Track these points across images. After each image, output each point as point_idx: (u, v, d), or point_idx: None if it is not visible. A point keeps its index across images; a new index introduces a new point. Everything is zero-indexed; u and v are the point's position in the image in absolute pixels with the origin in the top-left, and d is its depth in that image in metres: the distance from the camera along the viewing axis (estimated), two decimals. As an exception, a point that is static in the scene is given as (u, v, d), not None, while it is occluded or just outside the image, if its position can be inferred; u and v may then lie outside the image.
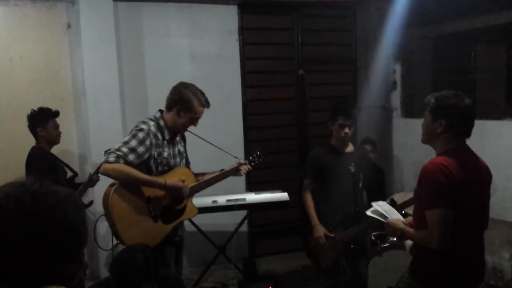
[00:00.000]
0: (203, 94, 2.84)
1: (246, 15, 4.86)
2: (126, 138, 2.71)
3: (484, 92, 4.83)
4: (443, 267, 2.16)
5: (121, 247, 2.70)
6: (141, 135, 2.69)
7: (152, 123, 2.79)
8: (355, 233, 3.08)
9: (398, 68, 5.40)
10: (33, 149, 3.53)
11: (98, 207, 2.77)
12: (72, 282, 1.06)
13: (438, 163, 2.11)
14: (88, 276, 3.82)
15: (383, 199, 3.07)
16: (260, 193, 4.22)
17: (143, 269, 2.09)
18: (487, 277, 4.13)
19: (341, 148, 3.27)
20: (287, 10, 5.05)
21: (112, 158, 2.60)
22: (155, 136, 2.76)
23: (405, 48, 5.20)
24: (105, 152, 2.69)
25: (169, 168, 2.82)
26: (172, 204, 2.79)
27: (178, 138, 2.97)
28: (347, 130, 3.16)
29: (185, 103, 2.77)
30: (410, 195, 2.57)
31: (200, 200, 3.75)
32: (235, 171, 3.03)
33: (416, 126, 2.69)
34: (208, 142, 3.10)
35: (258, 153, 3.20)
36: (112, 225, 2.63)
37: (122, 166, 2.59)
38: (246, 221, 4.55)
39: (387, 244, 3.60)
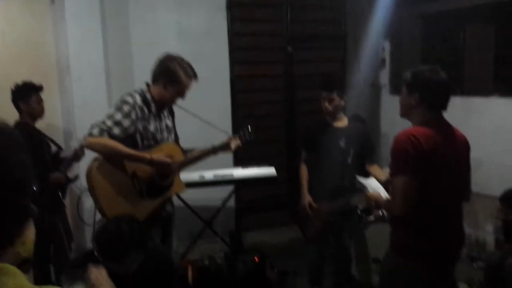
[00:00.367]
0: (190, 65, 2.76)
1: (234, -10, 4.78)
2: (111, 111, 2.62)
3: (472, 70, 4.85)
4: (413, 233, 2.19)
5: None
6: (126, 108, 2.60)
7: (138, 96, 2.69)
8: (339, 206, 3.11)
9: (387, 45, 5.39)
10: (16, 124, 3.46)
11: (83, 182, 2.73)
12: (15, 241, 0.86)
13: (408, 133, 2.12)
14: (74, 249, 3.83)
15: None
16: (247, 168, 4.22)
17: (129, 238, 2.06)
18: (470, 249, 4.21)
19: (331, 122, 3.26)
20: (276, -14, 4.97)
21: (95, 131, 2.51)
22: (141, 109, 2.66)
23: (395, 26, 5.18)
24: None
25: (156, 142, 2.74)
26: (159, 179, 2.74)
27: (166, 113, 2.88)
28: (326, 104, 3.17)
29: (171, 75, 2.69)
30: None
31: (188, 175, 3.74)
32: (225, 147, 2.95)
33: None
34: (197, 116, 3.03)
35: (249, 129, 3.12)
36: (96, 200, 2.58)
37: (106, 140, 2.51)
38: (233, 196, 4.56)
39: (373, 218, 3.63)
